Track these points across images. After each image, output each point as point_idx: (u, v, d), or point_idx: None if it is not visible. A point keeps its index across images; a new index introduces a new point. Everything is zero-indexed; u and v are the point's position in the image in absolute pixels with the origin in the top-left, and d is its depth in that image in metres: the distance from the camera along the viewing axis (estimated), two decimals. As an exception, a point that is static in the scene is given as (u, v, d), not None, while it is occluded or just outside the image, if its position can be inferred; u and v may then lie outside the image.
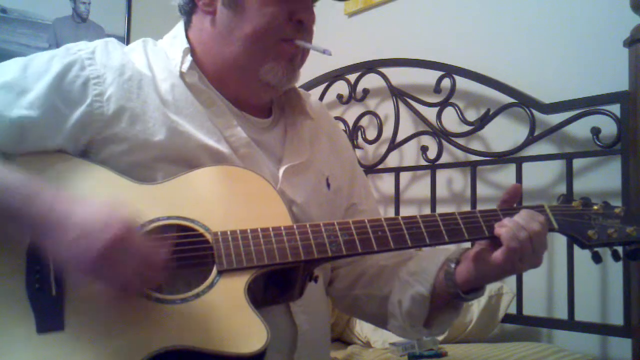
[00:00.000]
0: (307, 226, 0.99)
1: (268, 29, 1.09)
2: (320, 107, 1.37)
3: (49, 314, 0.86)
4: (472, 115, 2.18)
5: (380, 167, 2.43)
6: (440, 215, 1.06)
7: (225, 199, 1.01)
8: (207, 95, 1.12)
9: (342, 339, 2.11)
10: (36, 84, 1.00)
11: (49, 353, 0.83)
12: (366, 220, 1.02)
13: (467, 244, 1.15)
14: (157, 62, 1.12)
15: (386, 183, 2.48)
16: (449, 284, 1.08)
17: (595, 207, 1.13)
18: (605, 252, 1.13)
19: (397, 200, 2.33)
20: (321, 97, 2.59)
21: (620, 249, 1.15)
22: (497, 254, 1.01)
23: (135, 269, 0.85)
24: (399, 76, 2.38)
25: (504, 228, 1.02)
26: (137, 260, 0.85)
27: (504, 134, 2.10)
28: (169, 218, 0.96)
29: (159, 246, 0.88)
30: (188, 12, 1.17)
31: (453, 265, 1.09)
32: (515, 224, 1.01)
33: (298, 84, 1.25)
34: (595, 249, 1.12)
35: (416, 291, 1.12)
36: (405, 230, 1.03)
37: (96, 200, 0.89)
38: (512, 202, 1.10)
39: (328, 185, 1.24)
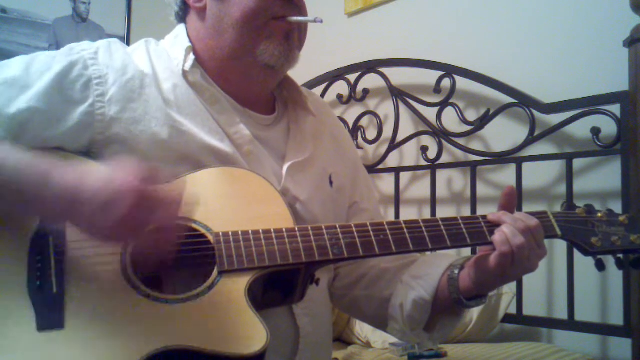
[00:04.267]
0: (309, 228, 0.99)
1: (256, 9, 1.10)
2: (323, 106, 1.37)
3: (49, 311, 0.86)
4: (472, 115, 2.18)
5: (380, 167, 2.43)
6: (443, 219, 1.06)
7: (227, 200, 1.01)
8: (210, 93, 1.12)
9: (342, 339, 2.11)
10: (38, 80, 1.00)
11: (49, 351, 0.83)
12: (368, 224, 1.02)
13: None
14: (159, 62, 1.13)
15: (386, 183, 2.48)
16: (452, 289, 1.08)
17: (599, 214, 1.13)
18: (607, 258, 1.13)
19: (397, 200, 2.33)
20: (321, 97, 2.59)
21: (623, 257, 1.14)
22: (491, 258, 1.01)
23: (152, 240, 0.87)
24: (399, 76, 2.38)
25: (498, 233, 1.02)
26: (155, 217, 0.86)
27: (504, 134, 2.10)
28: (170, 219, 0.96)
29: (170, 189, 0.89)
30: (182, 16, 1.19)
31: (457, 271, 1.09)
32: (511, 230, 1.01)
33: (298, 83, 1.25)
34: (599, 257, 1.11)
35: (418, 295, 1.12)
36: (408, 234, 1.03)
37: (100, 168, 0.89)
38: (510, 206, 1.09)
39: (331, 182, 1.24)
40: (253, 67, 1.14)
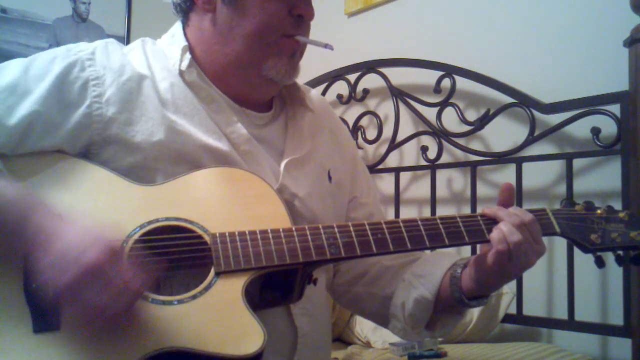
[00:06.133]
0: (306, 228, 0.99)
1: (270, 25, 1.10)
2: (322, 102, 1.37)
3: (45, 314, 0.85)
4: (472, 115, 2.18)
5: (380, 167, 2.43)
6: (441, 218, 1.06)
7: (224, 200, 1.01)
8: (207, 92, 1.12)
9: (342, 339, 2.11)
10: (37, 85, 1.00)
11: (44, 353, 0.83)
12: (366, 223, 1.02)
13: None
14: (156, 62, 1.12)
15: (386, 183, 2.48)
16: (454, 288, 1.08)
17: (599, 211, 1.12)
18: (606, 254, 1.13)
19: (397, 200, 2.33)
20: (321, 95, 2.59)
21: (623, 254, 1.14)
22: (488, 256, 1.01)
23: (110, 296, 0.81)
24: (399, 76, 2.38)
25: (495, 231, 1.02)
26: (112, 288, 0.81)
27: (504, 134, 2.10)
28: (167, 219, 0.96)
29: (138, 272, 0.85)
30: (186, 10, 1.17)
31: (459, 270, 1.09)
32: (508, 227, 1.01)
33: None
34: (598, 254, 1.11)
35: (420, 294, 1.12)
36: (405, 233, 1.02)
37: (83, 223, 0.86)
38: (508, 203, 1.09)
39: (330, 178, 1.24)
40: (256, 79, 1.14)
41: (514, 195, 1.11)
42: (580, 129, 1.88)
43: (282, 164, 1.14)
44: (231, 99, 1.15)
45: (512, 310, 1.93)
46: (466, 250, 2.00)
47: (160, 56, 1.14)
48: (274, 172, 1.13)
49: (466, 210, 2.15)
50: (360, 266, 1.26)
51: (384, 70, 2.40)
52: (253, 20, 1.09)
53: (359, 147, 2.49)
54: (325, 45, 1.14)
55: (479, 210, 1.11)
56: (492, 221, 1.05)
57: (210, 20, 1.13)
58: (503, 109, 2.04)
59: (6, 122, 0.96)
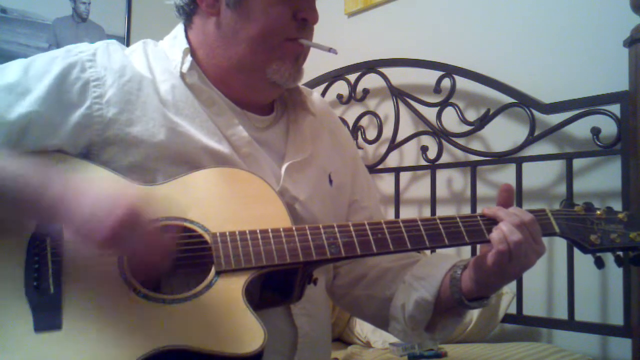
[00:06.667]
0: (306, 228, 0.99)
1: (274, 29, 1.09)
2: (323, 104, 1.37)
3: (47, 312, 0.86)
4: (472, 115, 2.18)
5: (380, 167, 2.43)
6: (441, 218, 1.06)
7: (224, 200, 1.01)
8: (208, 95, 1.12)
9: (342, 339, 2.11)
10: (37, 84, 1.00)
11: (46, 352, 0.83)
12: (366, 223, 1.02)
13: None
14: (157, 64, 1.12)
15: (386, 183, 2.48)
16: (454, 289, 1.07)
17: (598, 212, 1.12)
18: (606, 255, 1.13)
19: (397, 200, 2.33)
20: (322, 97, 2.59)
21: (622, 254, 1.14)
22: (488, 256, 1.01)
23: (142, 249, 0.88)
24: (399, 76, 2.38)
25: (495, 231, 1.02)
26: (143, 241, 0.87)
27: (504, 134, 2.10)
28: (168, 219, 0.96)
29: (164, 234, 0.91)
30: (189, 13, 1.16)
31: (459, 272, 1.08)
32: (508, 227, 1.01)
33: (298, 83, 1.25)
34: (598, 254, 1.11)
35: (420, 296, 1.11)
36: (405, 233, 1.02)
37: (103, 188, 0.90)
38: (507, 203, 1.09)
39: (330, 181, 1.24)
40: (259, 82, 1.14)
41: (513, 196, 1.11)
42: (580, 129, 1.88)
43: (283, 168, 1.14)
44: (233, 102, 1.15)
45: (512, 310, 1.93)
46: (466, 251, 2.00)
47: (162, 58, 1.14)
48: (275, 175, 1.13)
49: (466, 210, 2.15)
50: (359, 268, 1.26)
51: (384, 70, 2.40)
52: (257, 24, 1.09)
53: (359, 147, 2.49)
54: (330, 49, 1.14)
55: (479, 210, 1.11)
56: (492, 221, 1.05)
57: (214, 23, 1.12)
58: (503, 109, 2.04)
59: (6, 119, 0.96)
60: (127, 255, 0.91)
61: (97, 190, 0.89)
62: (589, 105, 1.81)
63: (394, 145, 2.37)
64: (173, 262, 0.93)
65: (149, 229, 0.88)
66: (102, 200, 0.86)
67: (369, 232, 1.01)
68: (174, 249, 0.92)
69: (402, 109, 2.37)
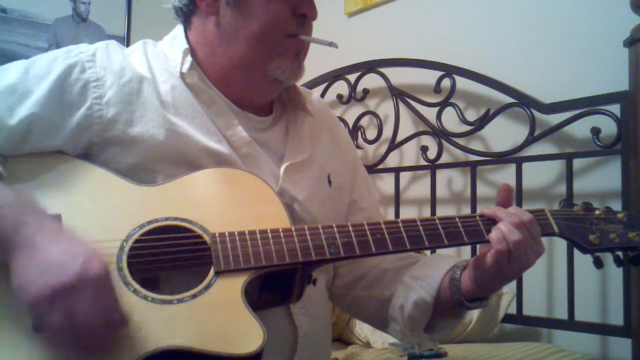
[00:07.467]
0: (305, 228, 0.99)
1: (274, 25, 1.10)
2: (322, 105, 1.37)
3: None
4: (472, 115, 2.18)
5: (380, 167, 2.43)
6: (440, 218, 1.06)
7: (223, 200, 1.01)
8: (208, 95, 1.12)
9: (342, 339, 2.11)
10: (38, 86, 1.00)
11: (43, 352, 0.83)
12: (365, 223, 1.02)
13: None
14: (157, 64, 1.12)
15: (386, 183, 2.48)
16: (454, 290, 1.07)
17: (597, 212, 1.12)
18: (606, 255, 1.13)
19: (397, 200, 2.33)
20: (321, 97, 2.59)
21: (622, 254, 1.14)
22: (487, 256, 1.01)
23: (93, 317, 0.79)
24: (399, 76, 2.38)
25: (494, 230, 1.02)
26: (98, 308, 0.79)
27: (504, 134, 2.10)
28: (167, 219, 0.96)
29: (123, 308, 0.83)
30: (187, 13, 1.16)
31: (459, 272, 1.08)
32: (507, 227, 1.01)
33: (298, 84, 1.25)
34: (597, 254, 1.11)
35: (419, 297, 1.11)
36: (404, 233, 1.02)
37: (79, 241, 0.85)
38: (507, 203, 1.09)
39: (329, 182, 1.24)
40: (260, 80, 1.15)
41: (512, 196, 1.11)
42: (580, 129, 1.88)
43: (282, 168, 1.14)
44: (232, 102, 1.15)
45: (512, 310, 1.93)
46: (466, 252, 2.00)
47: (161, 58, 1.14)
48: (274, 176, 1.13)
49: (466, 210, 2.15)
50: (358, 269, 1.26)
51: (384, 70, 2.40)
52: (257, 22, 1.09)
53: (359, 147, 2.49)
54: (330, 44, 1.15)
55: (479, 210, 1.11)
56: (491, 221, 1.05)
57: (214, 22, 1.12)
58: (503, 109, 2.04)
59: (7, 122, 0.96)
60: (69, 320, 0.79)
61: (63, 242, 0.83)
62: (589, 105, 1.81)
63: (394, 145, 2.37)
64: (172, 261, 0.93)
65: (108, 300, 0.81)
66: (64, 254, 0.81)
67: (368, 233, 1.01)
68: (118, 320, 0.82)
69: (402, 109, 2.37)
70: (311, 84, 2.57)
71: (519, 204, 1.91)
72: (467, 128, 2.13)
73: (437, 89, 2.21)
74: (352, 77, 2.53)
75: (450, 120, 2.19)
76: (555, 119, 1.92)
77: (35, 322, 0.80)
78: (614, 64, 1.81)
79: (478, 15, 2.25)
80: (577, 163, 1.88)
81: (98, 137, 1.02)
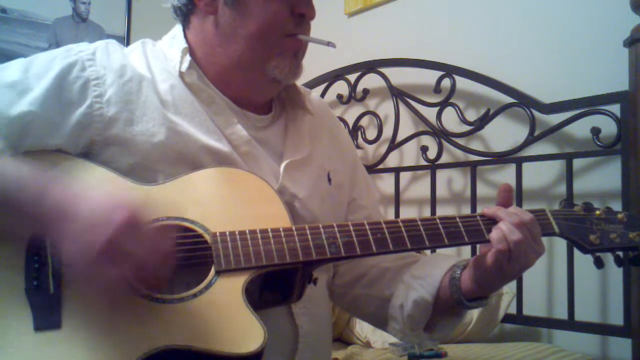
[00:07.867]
0: (306, 228, 0.99)
1: (272, 25, 1.10)
2: (321, 103, 1.37)
3: (46, 311, 0.86)
4: (472, 115, 2.18)
5: (380, 167, 2.43)
6: (440, 218, 1.06)
7: (224, 200, 1.01)
8: (207, 94, 1.12)
9: (342, 339, 2.11)
10: (37, 83, 1.00)
11: (46, 351, 0.83)
12: (365, 222, 1.02)
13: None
14: (156, 63, 1.12)
15: (386, 183, 2.48)
16: (454, 289, 1.07)
17: (598, 212, 1.12)
18: (606, 255, 1.13)
19: (397, 200, 2.33)
20: (321, 97, 2.59)
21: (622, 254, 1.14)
22: (488, 256, 1.01)
23: (141, 258, 0.83)
24: (399, 76, 2.38)
25: (495, 230, 1.02)
26: (143, 249, 0.83)
27: (504, 134, 2.10)
28: (168, 219, 0.96)
29: (165, 235, 0.88)
30: (186, 13, 1.17)
31: (459, 271, 1.08)
32: (508, 227, 1.01)
33: (298, 84, 1.26)
34: (597, 254, 1.11)
35: (419, 296, 1.11)
36: (405, 233, 1.02)
37: (101, 193, 0.88)
38: (507, 203, 1.09)
39: (329, 180, 1.24)
40: (259, 79, 1.15)
41: (512, 196, 1.11)
42: (580, 129, 1.88)
43: (282, 166, 1.14)
44: (231, 101, 1.15)
45: (512, 310, 1.93)
46: (466, 251, 2.00)
47: (161, 58, 1.14)
48: (274, 174, 1.13)
49: (466, 210, 2.15)
50: (359, 268, 1.26)
51: (384, 70, 2.40)
52: (256, 21, 1.09)
53: (359, 147, 2.50)
54: (328, 43, 1.15)
55: (479, 210, 1.11)
56: (492, 221, 1.05)
57: (212, 22, 1.13)
58: (503, 109, 2.05)
59: (6, 115, 0.96)
60: (127, 266, 0.84)
61: (93, 198, 0.86)
62: (589, 105, 1.81)
63: (394, 145, 2.37)
64: (173, 261, 0.93)
65: (148, 232, 0.86)
66: (98, 209, 0.84)
67: (369, 232, 1.01)
68: (173, 251, 0.89)
69: (402, 109, 2.37)
70: (311, 84, 2.57)
71: (519, 204, 1.91)
72: (467, 128, 2.13)
73: (437, 89, 2.21)
74: (352, 77, 2.53)
75: (450, 120, 2.19)
76: (555, 119, 1.92)
77: (99, 280, 0.83)
78: (614, 64, 1.81)
79: (478, 15, 2.25)
80: (577, 163, 1.88)
81: (98, 136, 1.02)
